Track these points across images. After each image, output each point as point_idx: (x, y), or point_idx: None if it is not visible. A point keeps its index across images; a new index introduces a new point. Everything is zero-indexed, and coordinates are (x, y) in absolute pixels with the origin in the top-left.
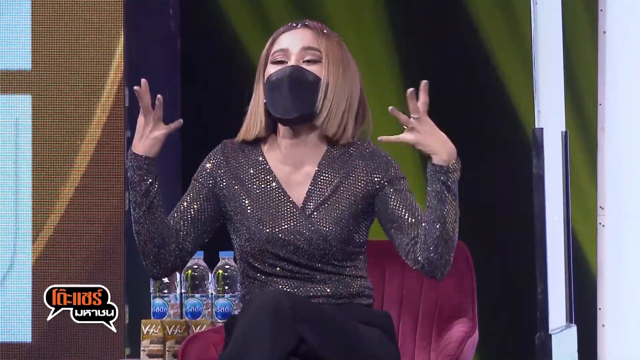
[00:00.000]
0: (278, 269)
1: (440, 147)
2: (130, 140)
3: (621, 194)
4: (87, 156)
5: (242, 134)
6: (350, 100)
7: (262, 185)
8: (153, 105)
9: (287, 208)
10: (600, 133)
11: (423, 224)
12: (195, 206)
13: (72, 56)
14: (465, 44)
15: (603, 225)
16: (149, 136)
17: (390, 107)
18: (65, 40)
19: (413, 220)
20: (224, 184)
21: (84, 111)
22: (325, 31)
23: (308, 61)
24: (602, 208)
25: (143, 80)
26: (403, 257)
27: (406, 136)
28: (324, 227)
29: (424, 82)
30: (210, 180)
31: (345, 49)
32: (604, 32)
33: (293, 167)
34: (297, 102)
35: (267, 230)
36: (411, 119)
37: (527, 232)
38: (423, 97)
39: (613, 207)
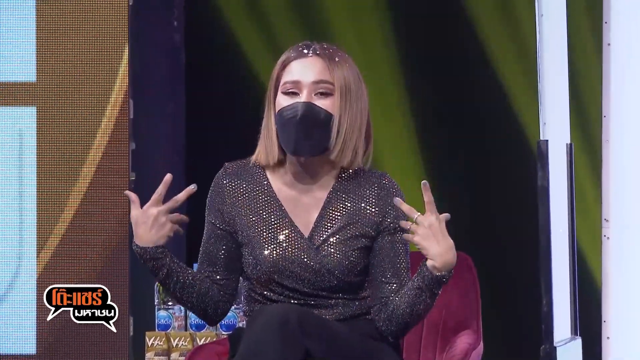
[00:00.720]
0: (283, 297)
1: (438, 255)
2: (134, 153)
3: (626, 207)
4: (92, 167)
5: (259, 159)
6: (360, 127)
7: (268, 212)
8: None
9: (294, 237)
10: (605, 145)
11: (397, 298)
12: (222, 251)
13: (77, 68)
14: (470, 56)
15: (608, 238)
16: (158, 225)
17: (423, 182)
18: (70, 52)
19: (395, 286)
20: (232, 215)
21: (89, 123)
22: (337, 59)
23: (320, 94)
24: (607, 220)
25: (169, 175)
26: (371, 302)
27: (409, 235)
28: (331, 261)
29: (423, 183)
30: (220, 217)
31: (356, 72)
32: (609, 44)
33: (300, 192)
34: (309, 141)
35: (273, 259)
36: (415, 220)
37: (532, 244)
38: (426, 197)
39: (618, 219)
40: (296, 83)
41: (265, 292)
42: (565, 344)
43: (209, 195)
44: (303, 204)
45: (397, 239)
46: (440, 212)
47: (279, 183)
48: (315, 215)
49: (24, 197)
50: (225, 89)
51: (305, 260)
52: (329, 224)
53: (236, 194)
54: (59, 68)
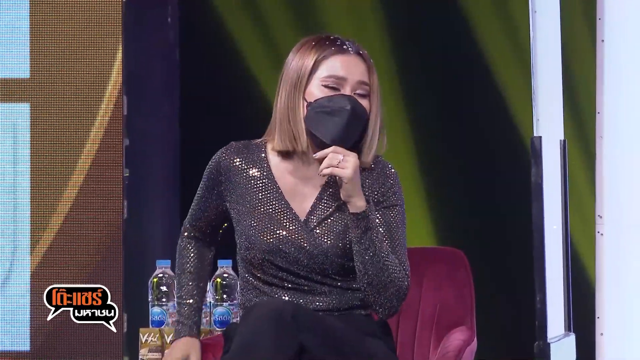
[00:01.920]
0: (278, 279)
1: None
2: (128, 149)
3: (619, 203)
4: (86, 164)
5: (283, 144)
6: (380, 130)
7: (265, 194)
8: None
9: (289, 219)
10: (599, 141)
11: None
12: (213, 216)
13: (71, 64)
14: (463, 52)
15: (601, 234)
16: None
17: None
18: (64, 48)
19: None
20: (227, 191)
21: (83, 119)
22: (371, 61)
23: (359, 94)
24: (601, 217)
25: None
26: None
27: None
28: (325, 242)
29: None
30: (213, 190)
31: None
32: (602, 40)
33: (300, 180)
34: (350, 134)
35: (268, 240)
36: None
37: (526, 241)
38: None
39: (611, 216)
40: (341, 79)
41: (258, 274)
42: (559, 340)
43: (208, 166)
44: (301, 190)
45: (393, 212)
46: (436, 210)
47: (280, 168)
48: (311, 199)
49: (17, 193)
50: (219, 86)
51: (300, 241)
52: (325, 208)
53: (235, 171)
54: (53, 64)
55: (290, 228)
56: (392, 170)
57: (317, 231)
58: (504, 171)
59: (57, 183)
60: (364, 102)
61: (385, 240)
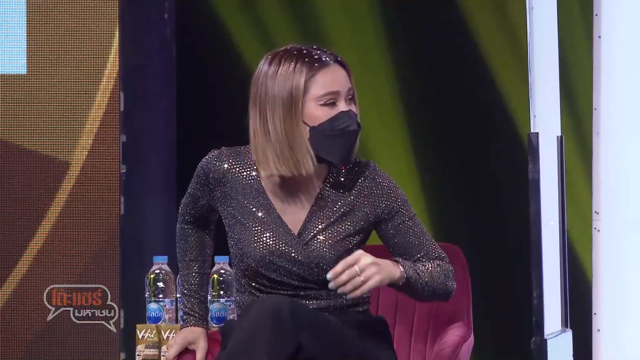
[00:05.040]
0: (271, 289)
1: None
2: (125, 145)
3: (616, 199)
4: (83, 160)
5: (281, 169)
6: None
7: (255, 206)
8: None
9: (281, 233)
10: (596, 138)
11: None
12: (200, 209)
13: (68, 60)
14: (460, 49)
15: (598, 230)
16: None
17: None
18: (61, 45)
19: (419, 256)
20: (218, 197)
21: (79, 115)
22: (347, 64)
23: (349, 101)
24: (597, 213)
25: None
26: None
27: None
28: (318, 254)
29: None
30: (207, 188)
31: None
32: (599, 36)
33: (290, 192)
34: (353, 150)
35: (260, 253)
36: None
37: (523, 237)
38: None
39: (608, 212)
40: (335, 94)
41: (253, 284)
42: (556, 336)
43: (199, 171)
44: (292, 202)
45: (402, 217)
46: (432, 206)
47: (268, 180)
48: (305, 212)
49: None
50: (216, 82)
51: (293, 254)
52: (319, 221)
53: (225, 181)
54: (50, 60)
55: (282, 241)
56: (384, 176)
57: (312, 244)
58: (501, 167)
59: (54, 179)
60: (353, 107)
61: (425, 271)
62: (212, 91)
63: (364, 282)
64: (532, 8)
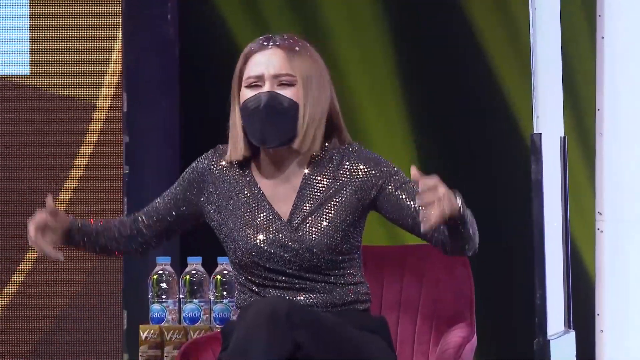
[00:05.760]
0: (268, 280)
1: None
2: (128, 145)
3: (619, 200)
4: (86, 160)
5: (229, 155)
6: (321, 115)
7: (248, 197)
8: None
9: (272, 221)
10: (599, 138)
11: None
12: (171, 216)
13: (71, 61)
14: (463, 50)
15: (601, 231)
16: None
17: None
18: (64, 46)
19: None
20: (209, 194)
21: (82, 116)
22: (297, 48)
23: (283, 84)
24: (600, 214)
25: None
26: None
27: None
28: (309, 239)
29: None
30: (195, 190)
31: (318, 60)
32: (602, 37)
33: (278, 180)
34: (275, 130)
35: (252, 242)
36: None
37: (526, 238)
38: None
39: (611, 212)
40: (258, 77)
41: (249, 277)
42: (559, 337)
43: (193, 165)
44: (280, 191)
45: (399, 181)
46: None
47: (257, 172)
48: (292, 199)
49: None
50: (219, 83)
51: (284, 241)
52: (306, 206)
53: (220, 174)
54: (53, 61)
55: (274, 229)
56: (367, 152)
57: (301, 229)
58: (504, 168)
59: (58, 180)
60: (289, 91)
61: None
62: (215, 92)
63: (442, 203)
64: (536, 9)
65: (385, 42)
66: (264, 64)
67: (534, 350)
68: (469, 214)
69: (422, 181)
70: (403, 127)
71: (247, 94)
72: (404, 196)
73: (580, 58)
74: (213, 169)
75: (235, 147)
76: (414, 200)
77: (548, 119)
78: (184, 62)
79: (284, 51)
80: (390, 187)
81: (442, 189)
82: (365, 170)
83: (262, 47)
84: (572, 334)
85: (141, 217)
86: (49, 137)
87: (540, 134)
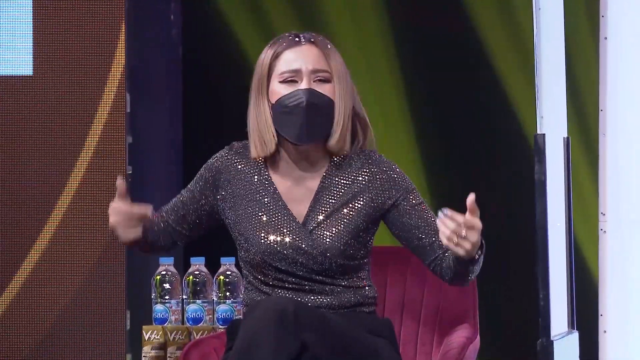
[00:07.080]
0: (278, 280)
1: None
2: (131, 146)
3: (622, 200)
4: (89, 161)
5: (255, 151)
6: (350, 113)
7: (263, 197)
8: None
9: (287, 222)
10: (602, 139)
11: (445, 260)
12: (192, 217)
13: (74, 62)
14: (466, 50)
15: (604, 231)
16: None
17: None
18: (67, 46)
19: (434, 240)
20: (225, 192)
21: (85, 117)
22: (329, 46)
23: (319, 80)
24: (604, 214)
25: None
26: (427, 267)
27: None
28: (323, 243)
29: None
30: (211, 188)
31: (343, 60)
32: (605, 38)
33: (295, 180)
34: (313, 128)
35: (266, 242)
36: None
37: (529, 238)
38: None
39: (614, 213)
40: (296, 72)
41: (259, 276)
42: (562, 338)
43: (209, 164)
44: (297, 191)
45: (413, 202)
46: (438, 208)
47: (274, 171)
48: (309, 201)
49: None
50: (222, 83)
51: (298, 243)
52: (322, 209)
53: (235, 173)
54: (56, 62)
55: (289, 230)
56: (388, 162)
57: (316, 232)
58: (507, 168)
59: (60, 180)
60: (326, 88)
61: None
62: (218, 92)
63: (459, 241)
64: (539, 9)
65: (387, 42)
66: (302, 60)
67: (537, 351)
68: (482, 259)
69: (472, 216)
70: (406, 128)
71: (281, 89)
72: (415, 217)
73: (583, 59)
74: (228, 166)
75: (264, 142)
76: (424, 223)
77: (551, 120)
78: (187, 63)
79: (318, 47)
80: (405, 204)
81: (476, 237)
82: (384, 179)
83: (294, 43)
84: (576, 335)
85: (164, 214)
86: (51, 137)
87: (544, 134)
